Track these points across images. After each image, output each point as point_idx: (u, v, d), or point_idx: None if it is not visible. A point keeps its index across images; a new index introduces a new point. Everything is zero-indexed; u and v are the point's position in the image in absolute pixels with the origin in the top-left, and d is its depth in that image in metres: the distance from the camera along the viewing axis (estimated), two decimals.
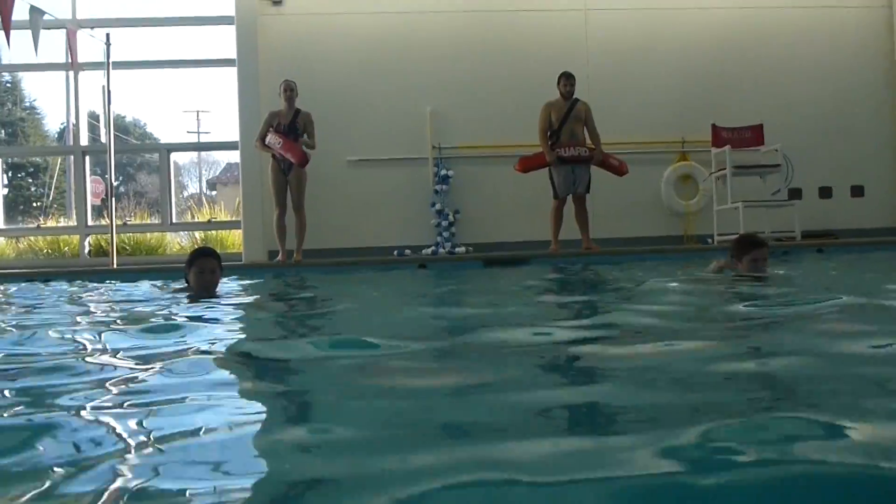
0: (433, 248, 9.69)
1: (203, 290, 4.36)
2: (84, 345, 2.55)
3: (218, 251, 4.70)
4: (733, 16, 10.38)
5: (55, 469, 1.13)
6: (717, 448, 1.12)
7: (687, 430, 1.18)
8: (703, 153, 9.84)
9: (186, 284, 4.57)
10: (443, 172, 9.86)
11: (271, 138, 8.34)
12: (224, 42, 15.93)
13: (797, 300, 3.52)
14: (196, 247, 8.79)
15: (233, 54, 10.08)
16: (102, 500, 0.99)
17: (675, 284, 4.68)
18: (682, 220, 10.09)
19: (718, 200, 9.46)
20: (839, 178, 10.26)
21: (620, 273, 6.28)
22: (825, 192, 10.06)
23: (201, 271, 4.35)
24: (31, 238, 11.59)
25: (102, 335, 2.82)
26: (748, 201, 8.97)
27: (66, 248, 11.20)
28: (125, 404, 1.61)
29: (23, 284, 7.05)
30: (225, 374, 1.88)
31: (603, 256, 8.15)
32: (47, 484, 1.06)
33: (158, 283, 6.38)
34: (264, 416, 1.54)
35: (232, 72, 10.10)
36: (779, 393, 1.61)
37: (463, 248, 9.64)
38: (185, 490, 1.04)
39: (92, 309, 4.60)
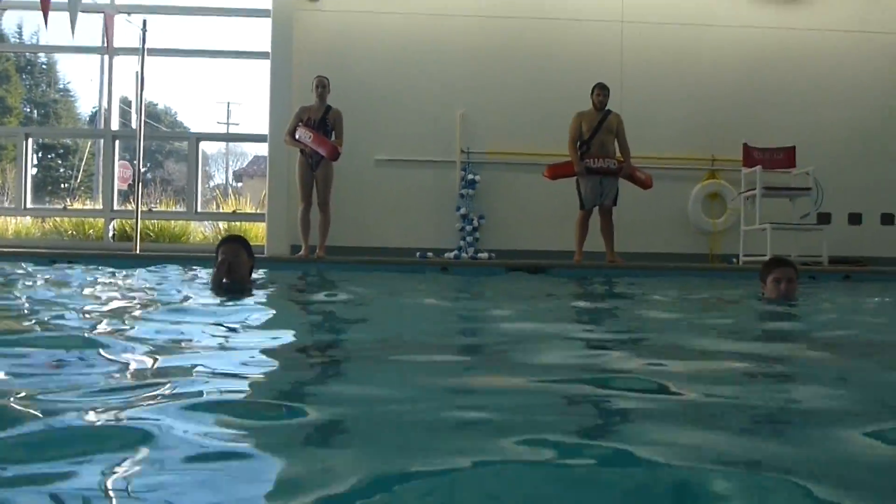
0: (456, 252, 9.66)
1: (226, 276, 4.23)
2: (87, 329, 2.54)
3: None
4: (769, 36, 10.26)
5: (65, 462, 1.11)
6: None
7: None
8: (733, 172, 9.74)
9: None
10: (469, 177, 9.83)
11: (301, 132, 8.35)
12: (259, 35, 16.00)
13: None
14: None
15: (267, 47, 10.10)
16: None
17: (675, 302, 4.66)
18: (709, 238, 9.99)
19: (746, 221, 9.36)
20: (870, 205, 10.10)
21: (639, 289, 6.22)
22: (854, 219, 9.91)
23: (222, 257, 4.24)
24: (57, 219, 11.67)
25: (105, 322, 2.81)
26: (776, 223, 8.86)
27: (90, 231, 11.27)
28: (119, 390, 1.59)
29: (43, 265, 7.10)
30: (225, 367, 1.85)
31: (626, 270, 8.09)
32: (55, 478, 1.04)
33: (182, 270, 6.40)
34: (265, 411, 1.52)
35: (265, 65, 10.12)
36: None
37: (486, 254, 9.59)
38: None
39: (107, 293, 4.61)
